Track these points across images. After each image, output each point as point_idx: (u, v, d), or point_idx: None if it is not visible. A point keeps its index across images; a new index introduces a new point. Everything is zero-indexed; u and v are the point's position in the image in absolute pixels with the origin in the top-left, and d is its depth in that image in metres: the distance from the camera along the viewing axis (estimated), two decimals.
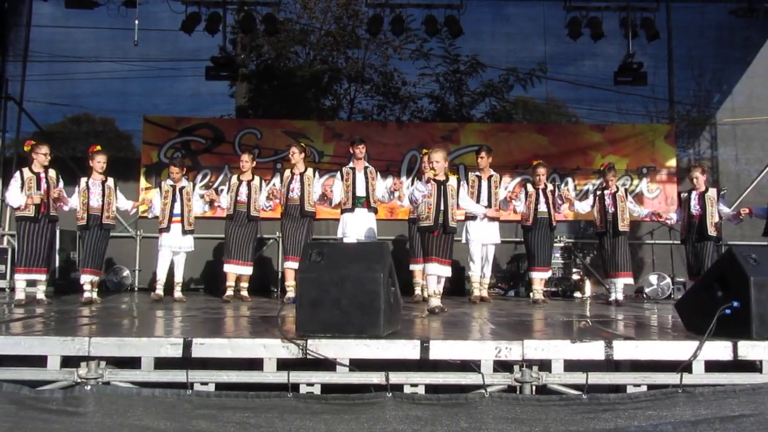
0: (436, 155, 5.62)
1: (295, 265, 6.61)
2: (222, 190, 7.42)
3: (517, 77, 10.56)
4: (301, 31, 11.16)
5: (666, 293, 8.74)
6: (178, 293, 6.98)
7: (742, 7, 9.81)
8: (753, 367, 3.56)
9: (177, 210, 6.97)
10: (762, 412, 3.32)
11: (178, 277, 7.09)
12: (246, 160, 7.23)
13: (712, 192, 6.93)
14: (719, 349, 3.51)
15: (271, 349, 3.43)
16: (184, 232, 7.00)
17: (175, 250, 7.01)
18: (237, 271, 7.12)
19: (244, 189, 7.12)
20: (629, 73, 9.46)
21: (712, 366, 3.52)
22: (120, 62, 9.72)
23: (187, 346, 3.40)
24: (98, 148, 6.69)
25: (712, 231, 6.77)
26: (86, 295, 6.51)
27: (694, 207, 6.87)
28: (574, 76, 10.37)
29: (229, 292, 7.07)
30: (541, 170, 7.21)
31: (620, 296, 7.11)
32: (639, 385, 3.43)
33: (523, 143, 9.93)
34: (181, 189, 7.05)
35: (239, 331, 4.36)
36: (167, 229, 6.96)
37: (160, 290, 6.96)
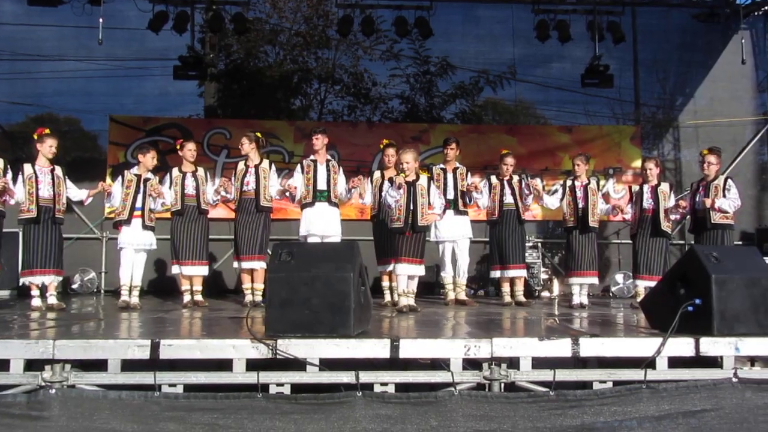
0: (406, 156, 5.63)
1: (252, 264, 6.32)
2: (164, 186, 6.54)
3: (487, 79, 10.66)
4: (270, 30, 11.09)
5: (631, 292, 8.87)
6: (135, 299, 6.23)
7: (704, 12, 10.07)
8: (714, 362, 3.65)
9: (139, 203, 6.21)
10: (723, 407, 3.41)
11: (137, 280, 6.29)
12: (191, 149, 6.53)
13: (665, 186, 6.76)
14: (682, 346, 3.59)
15: (241, 349, 3.41)
16: (145, 227, 6.23)
17: (136, 248, 6.23)
18: (191, 272, 6.42)
19: (190, 181, 6.43)
20: (596, 75, 9.64)
21: (675, 362, 3.61)
22: (85, 61, 9.55)
23: (154, 347, 3.36)
24: (47, 131, 5.99)
25: (665, 226, 6.61)
26: (36, 301, 5.85)
27: (647, 201, 6.67)
28: (543, 78, 10.51)
29: (187, 297, 6.40)
30: (509, 160, 6.90)
31: (585, 300, 6.83)
32: (605, 382, 3.49)
33: (492, 144, 10.00)
34: (145, 181, 6.29)
35: (207, 332, 4.32)
36: (128, 222, 6.16)
37: (126, 296, 6.20)
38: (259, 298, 6.25)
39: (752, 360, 3.86)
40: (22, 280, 6.00)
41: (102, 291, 8.93)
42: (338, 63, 11.04)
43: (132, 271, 6.26)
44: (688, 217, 6.71)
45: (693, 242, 6.59)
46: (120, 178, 6.38)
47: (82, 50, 9.55)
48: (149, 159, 6.37)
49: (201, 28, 10.39)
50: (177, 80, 9.69)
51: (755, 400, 3.43)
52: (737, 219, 6.84)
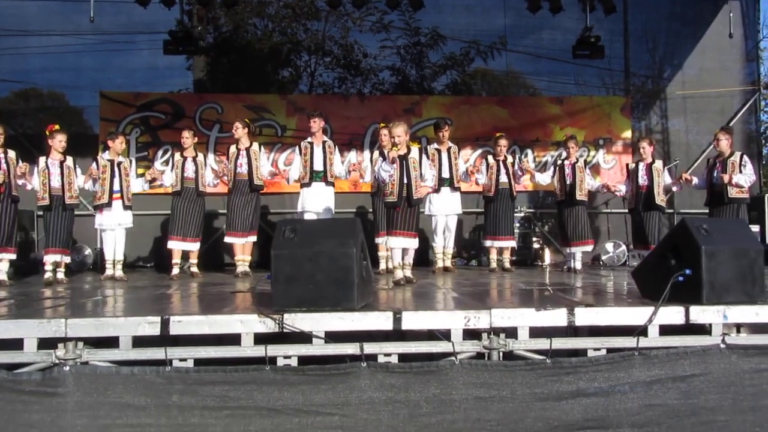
0: (398, 129, 5.66)
1: (245, 240, 6.99)
2: (164, 170, 7.27)
3: (478, 50, 10.65)
4: (259, 2, 10.96)
5: (622, 260, 9.07)
6: (119, 272, 6.88)
7: None
8: (703, 330, 3.81)
9: (116, 186, 6.82)
10: (711, 372, 3.57)
11: (119, 255, 6.94)
12: (186, 137, 7.11)
13: (659, 163, 7.29)
14: (673, 314, 3.74)
15: (249, 324, 3.51)
16: (125, 208, 6.87)
17: (114, 227, 6.87)
18: (183, 247, 7.04)
19: (190, 165, 7.03)
20: (587, 46, 9.64)
21: (666, 330, 3.76)
22: (72, 36, 9.45)
23: (164, 324, 3.46)
24: (57, 126, 6.60)
25: (659, 200, 7.12)
26: (48, 275, 6.49)
27: (642, 177, 7.21)
28: (533, 49, 10.52)
29: (176, 270, 7.02)
30: (503, 142, 7.48)
31: (579, 265, 7.47)
32: (599, 349, 3.63)
33: (484, 116, 10.08)
34: (118, 164, 6.88)
35: (212, 307, 4.41)
36: (109, 205, 6.79)
37: (111, 270, 6.89)
38: (246, 268, 7.01)
39: (738, 326, 4.05)
40: (44, 258, 6.63)
41: (99, 267, 8.97)
42: (328, 35, 10.94)
43: (114, 247, 6.91)
44: (698, 190, 7.18)
45: (709, 215, 6.94)
46: (94, 164, 6.86)
47: (70, 25, 9.45)
48: (118, 144, 6.96)
49: (188, 1, 10.25)
50: (167, 55, 9.58)
51: (742, 365, 3.59)
52: None
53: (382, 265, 7.26)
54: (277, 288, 3.63)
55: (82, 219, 9.24)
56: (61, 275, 6.59)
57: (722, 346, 3.60)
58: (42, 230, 7.12)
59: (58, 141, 6.51)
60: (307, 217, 6.86)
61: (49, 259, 6.52)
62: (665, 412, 3.47)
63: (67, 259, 6.77)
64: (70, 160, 6.66)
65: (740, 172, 6.65)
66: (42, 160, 6.54)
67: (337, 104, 10.00)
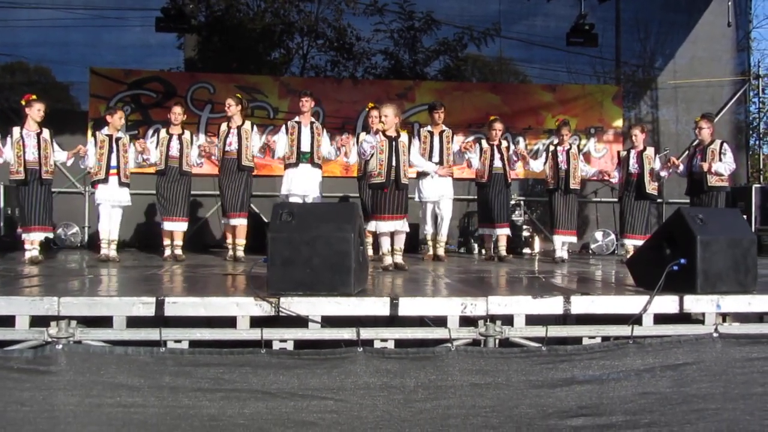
0: (386, 110, 5.54)
1: (234, 221, 6.70)
2: (153, 141, 6.96)
3: (471, 36, 10.60)
4: None
5: (610, 249, 9.14)
6: (113, 252, 6.63)
7: None
8: (697, 319, 3.84)
9: (113, 162, 6.54)
10: (703, 360, 3.60)
11: (114, 235, 6.70)
12: (177, 113, 6.84)
13: (650, 151, 7.10)
14: (667, 303, 3.76)
15: (245, 307, 3.48)
16: (121, 185, 6.59)
17: (113, 204, 6.60)
18: (172, 228, 6.83)
19: (175, 143, 6.77)
20: (581, 34, 9.62)
21: (660, 318, 3.78)
22: (63, 10, 9.28)
23: (159, 305, 3.41)
24: (34, 96, 6.22)
25: (650, 189, 6.97)
26: (29, 254, 6.15)
27: (633, 165, 7.03)
28: (526, 35, 10.48)
29: (168, 251, 6.83)
30: (498, 125, 7.21)
31: (564, 255, 7.29)
32: (594, 337, 3.65)
33: (476, 102, 10.06)
34: (117, 140, 6.60)
35: (203, 289, 4.37)
36: (105, 180, 6.50)
37: (106, 249, 6.57)
38: (240, 253, 6.73)
39: (724, 315, 4.07)
40: (24, 236, 6.28)
41: (86, 245, 8.88)
42: (321, 16, 10.84)
43: (109, 225, 6.62)
44: (685, 179, 7.01)
45: (689, 204, 6.86)
46: (93, 139, 6.67)
47: None
48: (117, 119, 6.66)
49: None
50: (158, 32, 9.44)
51: (733, 354, 3.62)
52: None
53: (370, 252, 7.13)
54: (274, 271, 3.59)
55: (71, 197, 9.21)
56: (35, 252, 6.19)
57: (715, 335, 3.63)
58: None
59: (37, 110, 6.10)
60: (292, 200, 6.56)
61: (29, 237, 6.17)
62: (658, 399, 3.50)
63: (50, 236, 6.49)
64: (46, 132, 6.25)
65: (720, 160, 6.57)
66: (16, 130, 6.11)
67: (330, 87, 9.93)
